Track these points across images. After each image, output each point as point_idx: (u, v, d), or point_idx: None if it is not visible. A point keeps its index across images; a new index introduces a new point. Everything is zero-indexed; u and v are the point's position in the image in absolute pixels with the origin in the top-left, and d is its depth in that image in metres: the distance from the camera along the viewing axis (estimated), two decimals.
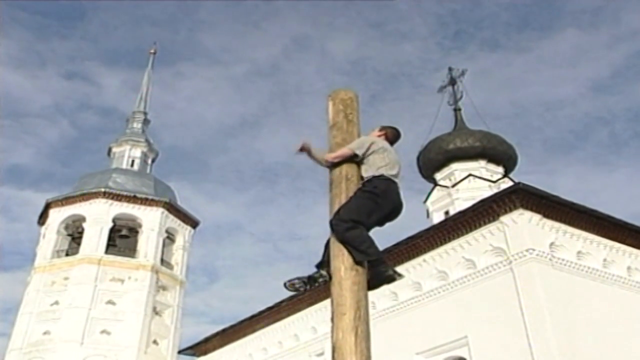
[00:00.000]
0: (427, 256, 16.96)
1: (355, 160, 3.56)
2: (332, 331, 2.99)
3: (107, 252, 27.70)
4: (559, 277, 14.58)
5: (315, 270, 3.49)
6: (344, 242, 3.17)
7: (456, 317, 15.39)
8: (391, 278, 3.28)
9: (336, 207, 3.33)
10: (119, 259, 27.73)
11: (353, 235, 3.18)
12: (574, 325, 13.86)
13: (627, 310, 15.22)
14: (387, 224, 3.66)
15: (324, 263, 3.42)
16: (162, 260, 29.00)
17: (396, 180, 3.62)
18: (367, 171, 3.55)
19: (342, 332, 2.92)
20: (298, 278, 3.49)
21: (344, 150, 3.54)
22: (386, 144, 3.75)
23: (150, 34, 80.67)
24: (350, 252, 3.14)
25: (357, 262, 3.11)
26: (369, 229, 3.39)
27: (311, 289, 3.45)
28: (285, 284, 3.53)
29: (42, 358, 24.71)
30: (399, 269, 17.62)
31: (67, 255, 28.42)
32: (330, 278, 3.17)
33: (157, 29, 76.89)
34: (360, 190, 3.45)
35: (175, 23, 76.74)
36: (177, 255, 30.34)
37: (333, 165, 3.56)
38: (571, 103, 79.09)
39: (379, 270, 3.23)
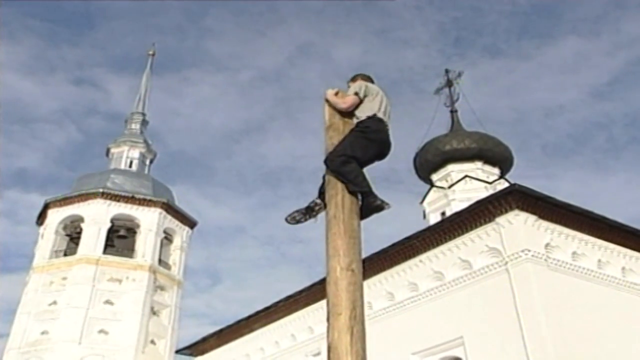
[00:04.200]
0: (423, 257, 17.05)
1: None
2: (328, 331, 3.05)
3: (105, 252, 27.72)
4: (554, 278, 14.69)
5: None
6: (338, 175, 3.40)
7: (452, 318, 15.49)
8: (380, 207, 3.47)
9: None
10: (117, 259, 27.76)
11: (347, 170, 3.40)
12: (569, 325, 13.97)
13: (622, 311, 15.33)
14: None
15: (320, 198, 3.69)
16: (160, 261, 29.04)
17: (386, 121, 3.85)
18: (361, 113, 3.79)
19: (338, 332, 2.97)
20: (297, 210, 3.72)
21: (354, 98, 3.81)
22: (376, 87, 4.01)
23: (158, 41, 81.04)
24: (344, 184, 3.36)
25: (351, 192, 3.34)
26: (362, 166, 3.59)
27: (310, 218, 3.64)
28: (286, 219, 3.78)
29: (40, 358, 24.73)
30: (396, 269, 17.85)
31: (65, 255, 28.43)
32: (326, 206, 3.35)
33: (163, 36, 76.91)
34: (353, 130, 3.68)
35: (182, 30, 76.88)
36: (175, 255, 30.37)
37: (342, 114, 3.81)
38: (570, 109, 79.35)
39: (369, 201, 3.43)
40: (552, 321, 13.84)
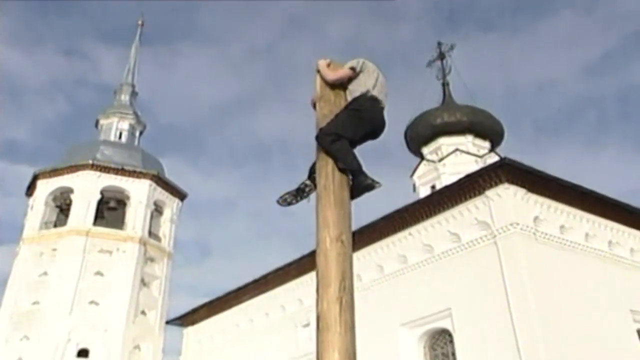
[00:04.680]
0: (412, 229, 17.17)
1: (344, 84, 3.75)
2: (317, 302, 3.06)
3: (95, 223, 27.66)
4: (542, 251, 14.86)
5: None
6: (328, 153, 3.36)
7: (440, 290, 15.68)
8: (370, 186, 3.42)
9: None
10: (107, 230, 27.72)
11: (336, 147, 3.36)
12: (556, 297, 14.19)
13: (608, 283, 15.58)
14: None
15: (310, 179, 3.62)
16: (150, 233, 29.03)
17: (382, 100, 3.78)
18: (355, 91, 3.71)
19: (327, 303, 2.98)
20: (287, 192, 3.71)
21: (345, 72, 3.73)
22: (374, 66, 3.90)
23: (148, 12, 79.68)
24: (334, 162, 3.33)
25: (341, 170, 3.31)
26: (353, 144, 3.54)
27: (301, 199, 3.63)
28: (277, 201, 3.75)
29: (31, 327, 24.84)
30: (385, 241, 17.94)
31: (55, 226, 28.35)
32: (316, 187, 3.34)
33: (153, 7, 75.53)
34: (346, 108, 3.62)
35: (173, 2, 75.50)
36: (165, 227, 30.37)
37: (332, 86, 3.74)
38: (563, 84, 79.24)
39: (359, 180, 3.39)
40: (538, 293, 14.04)
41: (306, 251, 18.23)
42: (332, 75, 3.74)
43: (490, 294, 14.43)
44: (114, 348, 24.99)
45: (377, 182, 3.49)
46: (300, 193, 3.67)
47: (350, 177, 3.41)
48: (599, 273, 15.66)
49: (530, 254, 14.62)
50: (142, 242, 27.99)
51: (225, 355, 22.29)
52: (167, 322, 26.95)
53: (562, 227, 15.82)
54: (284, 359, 19.54)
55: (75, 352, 24.55)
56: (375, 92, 3.73)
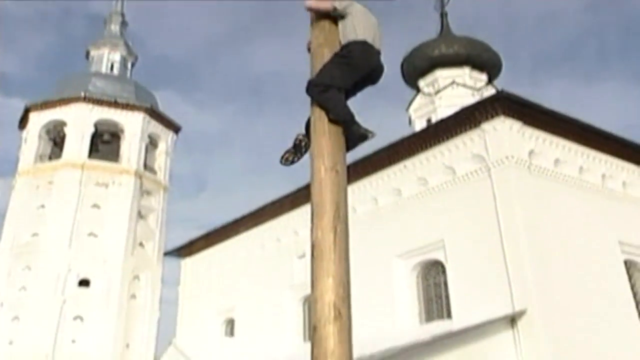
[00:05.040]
0: (407, 162, 17.21)
1: (333, 16, 3.58)
2: (312, 230, 3.07)
3: (90, 157, 27.57)
4: (535, 184, 14.99)
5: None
6: (319, 104, 3.28)
7: (434, 222, 15.89)
8: (364, 136, 3.36)
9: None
10: (102, 163, 27.69)
11: (325, 98, 3.27)
12: (547, 229, 14.43)
13: (599, 216, 15.82)
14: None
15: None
16: (145, 166, 29.02)
17: (375, 44, 3.61)
18: (345, 37, 3.56)
19: (322, 231, 3.00)
20: (287, 151, 3.67)
21: (325, 4, 3.55)
22: (364, 8, 3.71)
23: None
24: (326, 113, 3.25)
25: (332, 121, 3.23)
26: (348, 94, 3.45)
27: (302, 156, 3.59)
28: (281, 162, 3.70)
29: (32, 258, 25.26)
30: (380, 174, 18.01)
31: (50, 159, 28.29)
32: (309, 140, 3.30)
33: None
34: (335, 56, 3.47)
35: None
36: (160, 160, 30.34)
37: (317, 17, 3.60)
38: (564, 16, 77.39)
39: (352, 130, 3.31)
40: (530, 226, 14.26)
41: (301, 184, 18.32)
42: (312, 3, 3.58)
43: (483, 226, 14.65)
44: (114, 278, 25.52)
45: (371, 132, 3.39)
46: (298, 149, 3.59)
47: (343, 127, 3.30)
48: (591, 206, 15.86)
49: (524, 187, 14.74)
50: (138, 175, 28.04)
51: (223, 285, 22.84)
52: (165, 254, 27.42)
53: (556, 160, 15.88)
54: (279, 290, 20.04)
55: (76, 282, 25.07)
56: (365, 36, 3.54)
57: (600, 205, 16.10)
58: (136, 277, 26.77)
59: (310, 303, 2.93)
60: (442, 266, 15.90)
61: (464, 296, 14.70)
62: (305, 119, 3.55)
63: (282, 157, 3.65)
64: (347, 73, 3.41)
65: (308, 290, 3.01)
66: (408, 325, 15.88)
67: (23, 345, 23.41)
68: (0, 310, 24.62)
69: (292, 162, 3.68)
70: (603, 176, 16.82)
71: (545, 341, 13.04)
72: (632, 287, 15.87)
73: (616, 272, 15.48)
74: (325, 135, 3.24)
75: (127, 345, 25.41)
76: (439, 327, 14.24)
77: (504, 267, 13.96)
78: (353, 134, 3.32)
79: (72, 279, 24.98)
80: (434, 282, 16.49)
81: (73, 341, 24.02)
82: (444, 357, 12.37)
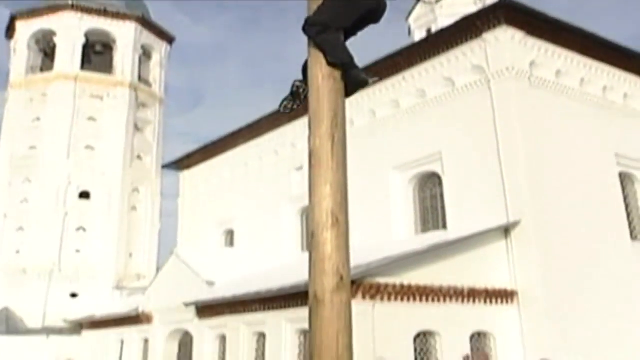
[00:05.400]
0: (406, 74, 16.93)
1: None
2: (310, 139, 3.03)
3: (83, 68, 27.03)
4: (535, 96, 14.82)
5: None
6: (316, 45, 3.09)
7: (431, 134, 15.86)
8: (364, 82, 3.12)
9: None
10: (95, 75, 27.19)
11: (323, 39, 3.06)
12: (545, 141, 14.43)
13: (598, 128, 15.78)
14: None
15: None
16: (139, 78, 28.54)
17: None
18: None
19: (320, 139, 2.96)
20: (285, 99, 3.48)
21: None
22: None
23: None
24: (324, 55, 3.06)
25: (330, 64, 3.05)
26: (347, 33, 3.25)
27: (301, 102, 3.44)
28: (280, 110, 3.55)
29: (31, 171, 25.40)
30: (378, 86, 17.74)
31: (41, 71, 27.75)
32: (307, 86, 3.15)
33: None
34: None
35: None
36: (155, 72, 29.80)
37: None
38: None
39: (352, 74, 3.11)
40: (528, 138, 14.25)
41: None
42: None
43: (481, 138, 14.63)
44: (114, 191, 25.81)
45: (373, 77, 3.20)
46: (297, 96, 3.38)
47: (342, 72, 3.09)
48: (590, 118, 15.78)
49: (523, 99, 14.59)
50: (133, 87, 27.64)
51: (222, 197, 23.14)
52: (164, 167, 27.58)
53: (558, 72, 15.62)
54: (278, 202, 20.33)
55: (77, 195, 25.38)
56: None
57: (600, 118, 16.02)
58: (135, 190, 27.06)
59: (308, 213, 2.94)
60: (439, 178, 16.04)
61: (459, 207, 14.93)
62: (303, 62, 3.36)
63: (281, 105, 3.48)
64: (348, 11, 3.17)
65: (306, 202, 3.01)
66: (404, 235, 16.25)
67: (30, 255, 24.07)
68: (4, 222, 25.08)
69: (292, 110, 3.54)
70: (604, 88, 16.61)
71: (537, 251, 13.40)
72: (625, 199, 16.12)
73: (611, 184, 15.66)
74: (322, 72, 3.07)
75: (130, 255, 26.12)
76: (435, 237, 14.56)
77: (500, 179, 14.08)
78: (352, 79, 3.12)
79: (72, 191, 25.27)
80: (430, 194, 16.70)
81: (77, 251, 24.67)
82: (438, 266, 12.74)
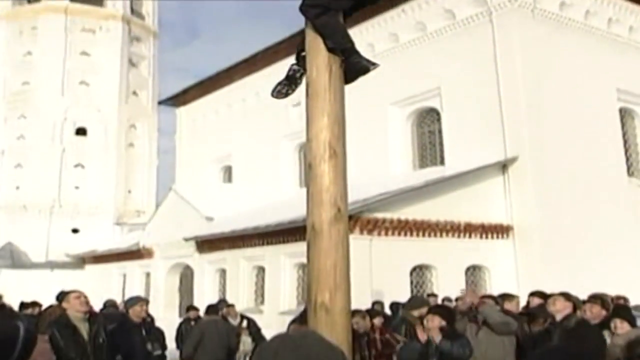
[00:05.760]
0: (406, 6, 16.49)
1: None
2: (307, 69, 2.99)
3: (72, 0, 26.25)
4: (537, 29, 14.49)
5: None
6: (315, 28, 2.92)
7: (431, 69, 15.61)
8: (365, 68, 2.98)
9: None
10: (86, 7, 26.39)
11: (323, 22, 2.88)
12: (545, 77, 14.23)
13: (600, 62, 15.50)
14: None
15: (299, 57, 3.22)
16: (132, 10, 27.77)
17: None
18: None
19: (317, 70, 2.91)
20: (279, 83, 3.26)
21: None
22: None
23: None
24: (322, 39, 2.90)
25: (330, 50, 2.88)
26: (346, 12, 3.07)
27: (297, 87, 3.26)
28: (273, 95, 3.35)
29: (26, 107, 25.13)
30: (377, 19, 17.30)
31: (29, 2, 26.93)
32: (305, 70, 2.97)
33: None
34: None
35: None
36: (148, 5, 28.95)
37: None
38: None
39: (352, 61, 2.95)
40: (529, 72, 14.05)
41: (297, 29, 17.65)
42: None
43: (481, 73, 14.41)
44: (110, 127, 25.64)
45: (373, 63, 3.00)
46: (292, 80, 3.21)
47: (342, 57, 2.93)
48: (593, 52, 15.49)
49: (526, 32, 14.28)
50: (125, 21, 26.94)
51: (219, 133, 23.03)
52: (160, 103, 27.29)
53: (562, 3, 15.21)
54: (275, 138, 20.25)
55: (73, 131, 25.24)
56: None
57: (603, 52, 15.72)
58: (132, 126, 26.88)
59: (306, 146, 2.91)
60: (438, 114, 15.93)
61: (457, 143, 14.90)
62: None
63: (275, 91, 3.27)
64: None
65: (304, 138, 2.97)
66: (402, 171, 16.29)
67: (29, 191, 24.18)
68: (2, 158, 25.06)
69: (286, 95, 3.33)
70: (609, 20, 16.23)
71: (534, 187, 13.48)
72: (624, 135, 16.08)
73: (610, 120, 15.57)
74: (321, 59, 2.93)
75: (129, 192, 26.25)
76: (432, 173, 14.61)
77: (499, 114, 13.99)
78: (352, 65, 2.96)
79: (68, 128, 25.11)
80: (428, 129, 16.62)
81: (76, 187, 24.77)
82: (435, 201, 12.84)
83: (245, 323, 9.46)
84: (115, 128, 25.71)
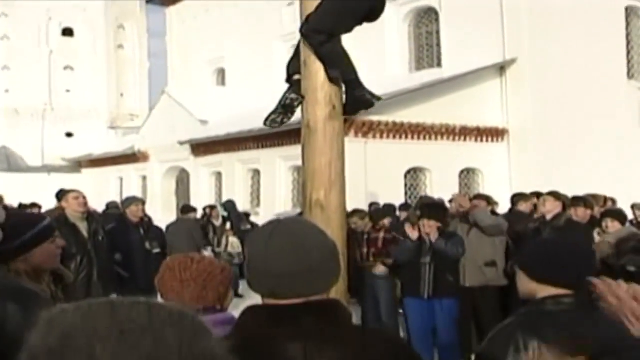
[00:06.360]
0: None
1: None
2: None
3: None
4: None
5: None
6: (317, 56, 2.69)
7: None
8: (368, 102, 2.84)
9: None
10: None
11: (327, 51, 2.68)
12: None
13: None
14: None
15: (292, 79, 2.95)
16: None
17: None
18: None
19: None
20: (273, 112, 2.99)
21: None
22: None
23: None
24: (324, 68, 2.68)
25: (332, 80, 2.68)
26: (348, 30, 2.83)
27: (292, 115, 2.98)
28: (265, 124, 3.09)
29: (5, 5, 24.10)
30: None
31: None
32: (303, 98, 2.75)
33: None
34: None
35: None
36: None
37: None
38: None
39: (354, 93, 2.79)
40: None
41: None
42: None
43: None
44: (98, 27, 24.87)
45: (376, 97, 2.82)
46: (287, 109, 2.92)
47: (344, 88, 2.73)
48: None
49: None
50: None
51: (211, 35, 22.32)
52: (148, 1, 26.27)
53: None
54: (269, 39, 19.67)
55: (59, 32, 24.48)
56: None
57: None
58: (121, 27, 26.07)
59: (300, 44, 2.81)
60: (436, 14, 15.41)
61: (455, 45, 14.52)
62: None
63: (268, 120, 3.00)
64: (352, 13, 2.74)
65: (298, 39, 2.83)
66: (398, 73, 16.00)
67: (20, 95, 23.80)
68: None
69: (282, 124, 3.05)
70: None
71: (532, 89, 13.32)
72: (627, 36, 15.65)
73: (615, 18, 15.06)
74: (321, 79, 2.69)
75: (122, 95, 25.93)
76: (429, 75, 14.38)
77: (500, 15, 13.55)
78: (355, 98, 2.79)
79: (54, 29, 24.35)
80: (426, 30, 16.16)
81: (67, 91, 24.41)
82: (432, 104, 12.73)
83: (228, 225, 9.67)
84: (103, 28, 24.96)
